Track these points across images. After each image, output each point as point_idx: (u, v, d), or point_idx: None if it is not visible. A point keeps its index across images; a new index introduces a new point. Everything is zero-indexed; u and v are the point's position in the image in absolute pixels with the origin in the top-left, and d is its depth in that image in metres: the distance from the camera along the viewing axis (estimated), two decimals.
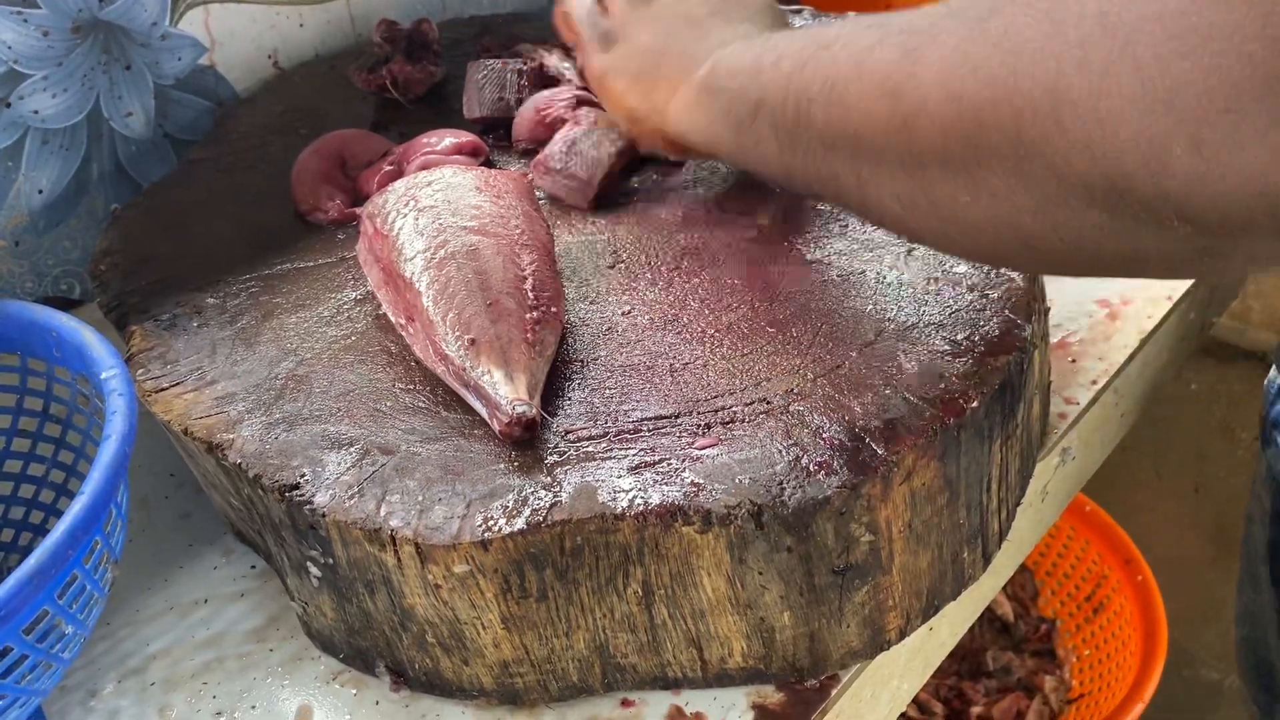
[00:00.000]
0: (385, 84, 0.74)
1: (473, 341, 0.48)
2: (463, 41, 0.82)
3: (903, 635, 0.50)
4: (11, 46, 0.67)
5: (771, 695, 0.49)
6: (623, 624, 0.47)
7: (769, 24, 0.58)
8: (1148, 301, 0.69)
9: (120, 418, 0.46)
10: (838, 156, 0.44)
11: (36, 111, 0.70)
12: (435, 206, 0.53)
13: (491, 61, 0.70)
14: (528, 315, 0.50)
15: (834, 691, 0.49)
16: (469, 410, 0.49)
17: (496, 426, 0.47)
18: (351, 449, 0.48)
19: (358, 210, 0.64)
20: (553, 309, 0.51)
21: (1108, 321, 0.68)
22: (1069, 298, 0.70)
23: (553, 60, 0.72)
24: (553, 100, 0.66)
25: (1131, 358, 0.66)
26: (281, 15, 0.80)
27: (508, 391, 0.47)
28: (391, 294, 0.53)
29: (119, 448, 0.44)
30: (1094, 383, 0.64)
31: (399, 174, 0.65)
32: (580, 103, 0.65)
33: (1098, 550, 1.39)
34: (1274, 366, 0.71)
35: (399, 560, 0.45)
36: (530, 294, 0.51)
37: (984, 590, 0.56)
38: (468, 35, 0.83)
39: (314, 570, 0.48)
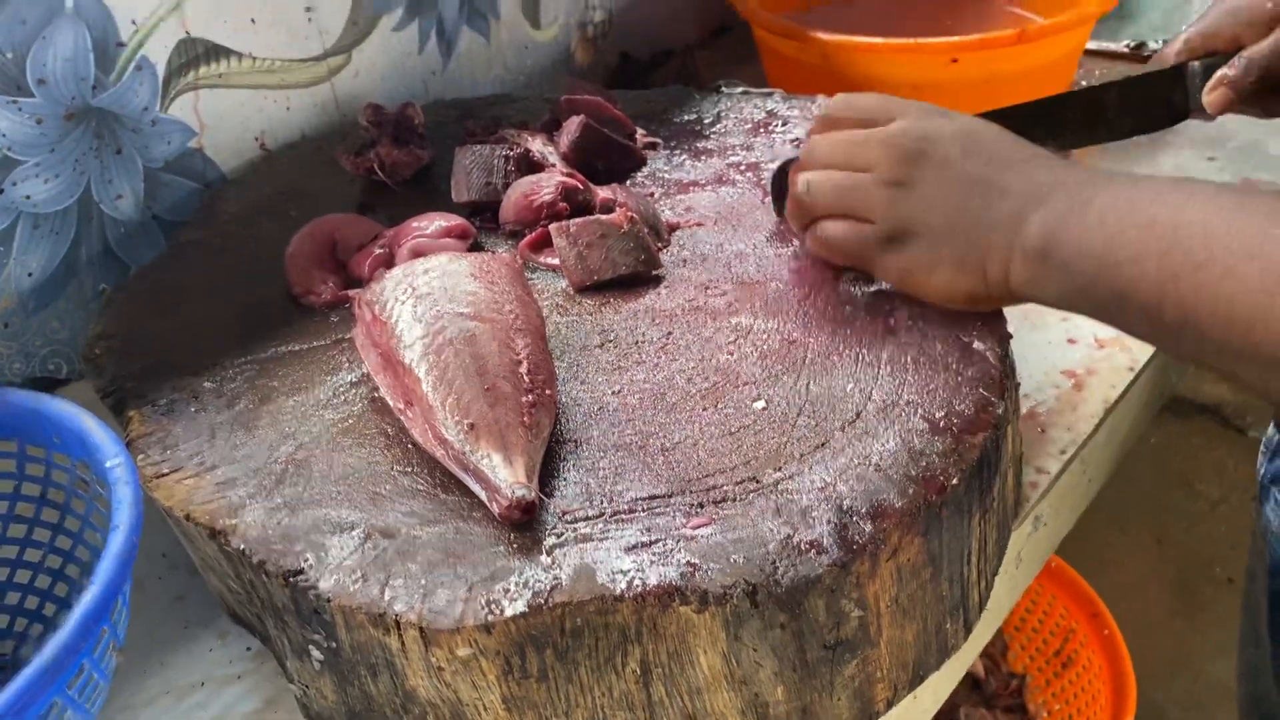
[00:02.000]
0: (373, 167, 0.76)
1: (472, 426, 0.50)
2: (446, 124, 0.84)
3: (890, 705, 0.52)
4: (5, 134, 0.69)
5: None
6: (621, 702, 0.48)
7: (1045, 161, 0.56)
8: (1112, 371, 0.72)
9: (127, 508, 0.47)
10: (1224, 354, 0.46)
11: (29, 197, 0.71)
12: (432, 293, 0.55)
13: (478, 147, 0.72)
14: (524, 399, 0.52)
15: None
16: (467, 493, 0.51)
17: (496, 510, 0.48)
18: (353, 533, 0.49)
19: (350, 293, 0.65)
20: (547, 392, 0.53)
21: (1074, 392, 0.71)
22: (1035, 368, 0.73)
23: (536, 145, 0.74)
24: (538, 186, 0.68)
25: (1098, 427, 0.69)
26: (269, 99, 0.82)
27: (507, 475, 0.48)
28: (390, 379, 0.54)
29: (127, 538, 0.45)
30: (1063, 452, 0.67)
31: (390, 257, 0.67)
32: (565, 189, 0.68)
33: (1064, 605, 1.41)
34: (1272, 424, 0.73)
35: (403, 644, 0.46)
36: (526, 378, 0.52)
37: (965, 657, 0.58)
38: (451, 118, 0.85)
39: (316, 653, 0.49)
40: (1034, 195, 0.53)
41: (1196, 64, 0.70)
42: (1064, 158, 0.57)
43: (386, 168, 0.76)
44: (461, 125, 0.84)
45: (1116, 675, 1.33)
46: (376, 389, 0.58)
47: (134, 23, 0.73)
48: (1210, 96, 0.69)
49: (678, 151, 0.79)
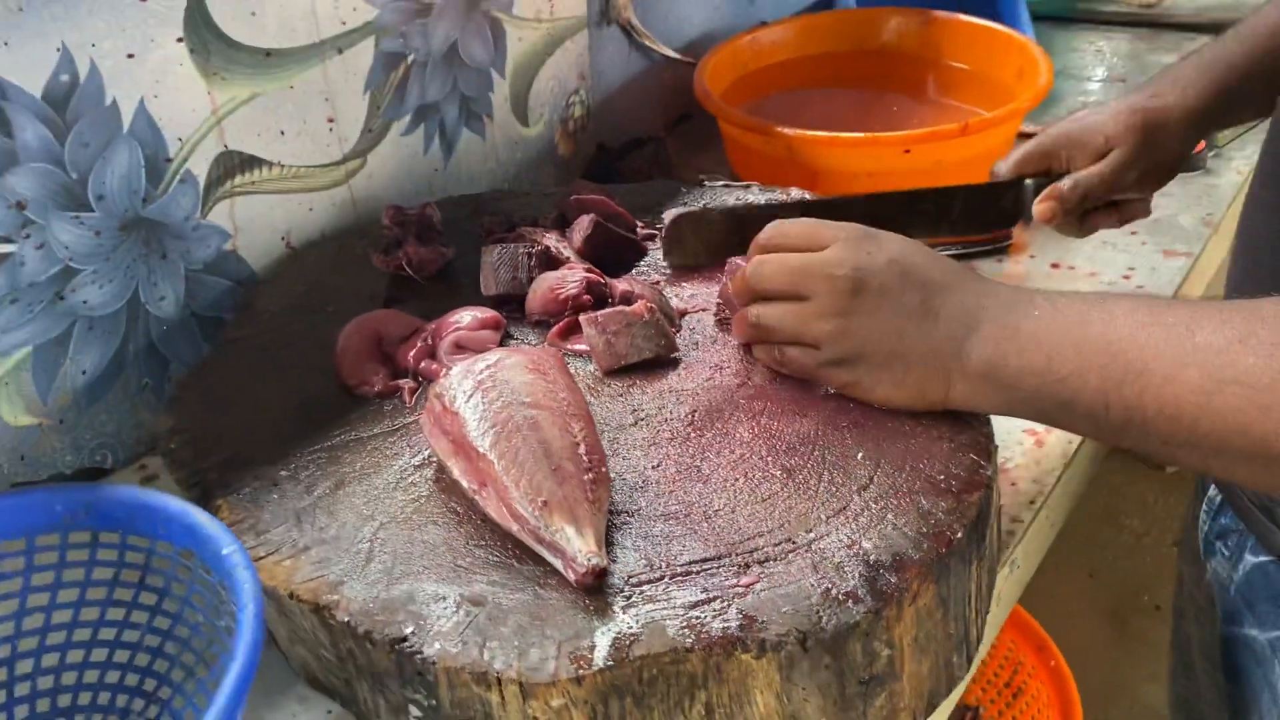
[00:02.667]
0: (401, 264, 0.83)
1: (545, 503, 0.57)
2: (458, 220, 0.92)
3: None
4: (69, 246, 0.75)
5: None
6: None
7: (972, 284, 0.64)
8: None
9: (250, 588, 0.53)
10: (1178, 450, 0.56)
11: (86, 301, 0.77)
12: (496, 385, 0.62)
13: (502, 246, 0.80)
14: (585, 476, 0.59)
15: None
16: (541, 562, 0.58)
17: (572, 577, 0.56)
18: (447, 602, 0.56)
19: (400, 383, 0.72)
20: (602, 469, 0.61)
21: (1036, 448, 0.81)
22: (1002, 428, 0.82)
23: (551, 241, 0.82)
24: (563, 281, 0.76)
25: (1059, 479, 0.79)
26: (293, 201, 0.89)
27: (580, 545, 0.56)
28: (463, 463, 0.61)
29: (256, 614, 0.52)
30: (1032, 503, 0.76)
31: (433, 349, 0.74)
32: (588, 284, 0.76)
33: (1011, 638, 1.51)
34: (1213, 485, 0.84)
35: (503, 698, 0.53)
36: (584, 457, 0.60)
37: (962, 686, 0.67)
38: (462, 214, 0.93)
39: (415, 711, 0.56)
40: (964, 322, 0.62)
41: (1030, 182, 0.81)
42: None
43: (414, 264, 0.83)
44: (473, 220, 0.92)
45: (1064, 704, 1.43)
46: (440, 471, 0.65)
47: (180, 140, 0.79)
48: (1039, 207, 0.81)
49: None
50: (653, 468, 0.65)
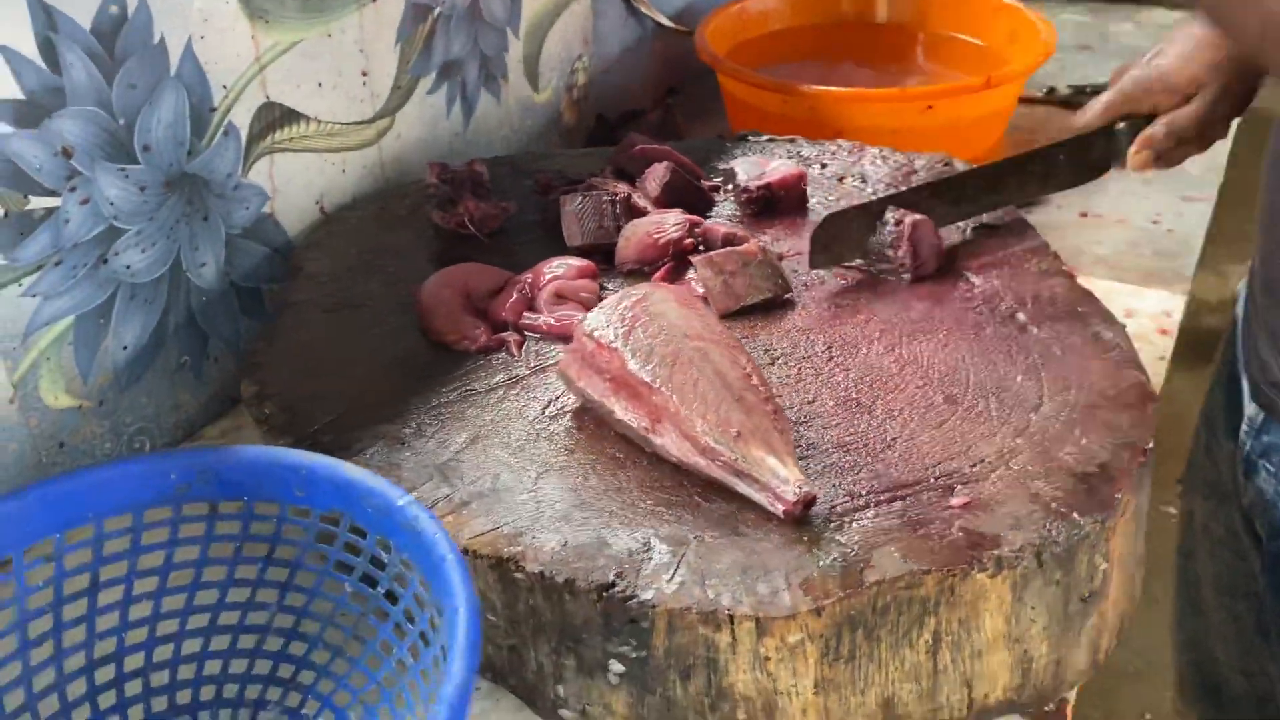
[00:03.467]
0: (462, 221, 0.77)
1: (739, 434, 0.53)
2: (498, 178, 0.87)
3: (1106, 655, 0.58)
4: (114, 202, 0.67)
5: None
6: (910, 674, 0.52)
7: None
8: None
9: (444, 541, 0.47)
10: None
11: (129, 266, 0.69)
12: (652, 320, 0.58)
13: (584, 195, 0.75)
14: (766, 406, 0.55)
15: (1067, 711, 0.56)
16: (730, 497, 0.54)
17: (780, 508, 0.52)
18: (645, 545, 0.51)
19: (505, 336, 0.67)
20: (776, 400, 0.57)
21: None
22: None
23: (627, 191, 0.78)
24: (661, 225, 0.72)
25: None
26: (328, 162, 0.82)
27: (787, 474, 0.52)
28: (628, 401, 0.56)
29: (462, 573, 0.46)
30: None
31: (530, 300, 0.69)
32: (691, 226, 0.72)
33: None
34: (1253, 403, 0.85)
35: (734, 638, 0.48)
36: (760, 387, 0.56)
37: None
38: (501, 172, 0.88)
39: (617, 667, 0.51)
40: None
41: (1123, 125, 0.82)
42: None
43: (475, 221, 0.78)
44: (515, 179, 0.87)
45: None
46: (580, 419, 0.60)
47: (225, 87, 0.72)
48: (1136, 157, 0.80)
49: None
50: (808, 402, 0.61)
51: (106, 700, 0.53)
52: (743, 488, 0.53)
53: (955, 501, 0.53)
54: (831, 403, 0.61)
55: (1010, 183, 0.80)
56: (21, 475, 0.66)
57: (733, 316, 0.69)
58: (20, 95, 0.61)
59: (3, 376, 0.64)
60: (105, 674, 0.54)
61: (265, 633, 0.55)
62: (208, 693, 0.55)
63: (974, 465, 0.55)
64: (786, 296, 0.70)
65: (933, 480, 0.55)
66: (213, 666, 0.55)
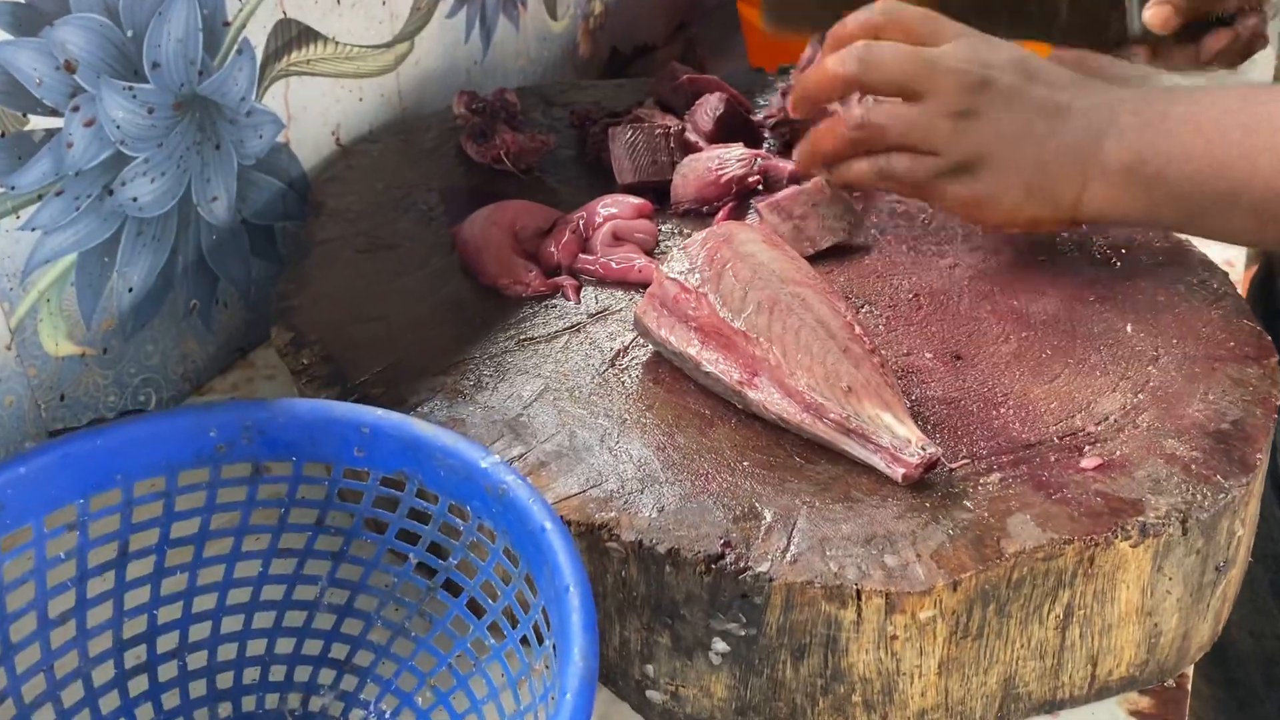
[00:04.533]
0: (499, 155, 0.71)
1: (849, 389, 0.48)
2: (527, 111, 0.80)
3: (1225, 628, 0.54)
4: (120, 126, 0.59)
5: (1140, 700, 0.51)
6: (1035, 652, 0.47)
7: (1096, 83, 0.57)
8: None
9: (540, 508, 0.41)
10: None
11: (135, 199, 0.62)
12: (742, 260, 0.52)
13: (635, 128, 0.69)
14: (874, 359, 0.50)
15: (1187, 686, 0.52)
16: (834, 460, 0.49)
17: (900, 471, 0.47)
18: (753, 510, 0.46)
19: (561, 280, 0.61)
20: (881, 350, 0.51)
21: None
22: None
23: (676, 126, 0.72)
24: (724, 161, 0.66)
25: None
26: (345, 89, 0.75)
27: (906, 434, 0.47)
28: (720, 352, 0.51)
29: (567, 545, 0.40)
30: None
31: (583, 240, 0.63)
32: (755, 161, 0.66)
33: None
34: None
35: (859, 616, 0.43)
36: (865, 338, 0.51)
37: None
38: (530, 104, 0.81)
39: (721, 646, 0.46)
40: (1100, 114, 0.55)
41: None
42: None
43: (512, 155, 0.71)
44: (547, 112, 0.80)
45: None
46: (655, 369, 0.54)
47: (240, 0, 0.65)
48: (1151, 11, 0.68)
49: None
50: (904, 355, 0.56)
51: (137, 686, 0.47)
52: (854, 448, 0.48)
53: (1087, 463, 0.48)
54: (930, 355, 0.56)
55: (1001, 14, 0.70)
56: (20, 431, 0.59)
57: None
58: None
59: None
60: (135, 656, 0.47)
61: (315, 609, 0.49)
62: (251, 675, 0.49)
63: (1098, 423, 0.51)
64: (860, 240, 0.65)
65: (1057, 440, 0.50)
66: (256, 646, 0.49)
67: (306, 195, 0.71)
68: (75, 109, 0.57)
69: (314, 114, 0.73)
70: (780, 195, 0.64)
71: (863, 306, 0.59)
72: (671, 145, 0.68)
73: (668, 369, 0.55)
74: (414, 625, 0.48)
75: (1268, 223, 0.52)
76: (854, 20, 0.59)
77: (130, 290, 0.63)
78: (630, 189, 0.68)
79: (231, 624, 0.49)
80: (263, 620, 0.49)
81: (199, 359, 0.69)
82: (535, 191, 0.71)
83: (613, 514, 0.46)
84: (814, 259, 0.63)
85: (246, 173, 0.69)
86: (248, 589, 0.49)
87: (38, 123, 0.55)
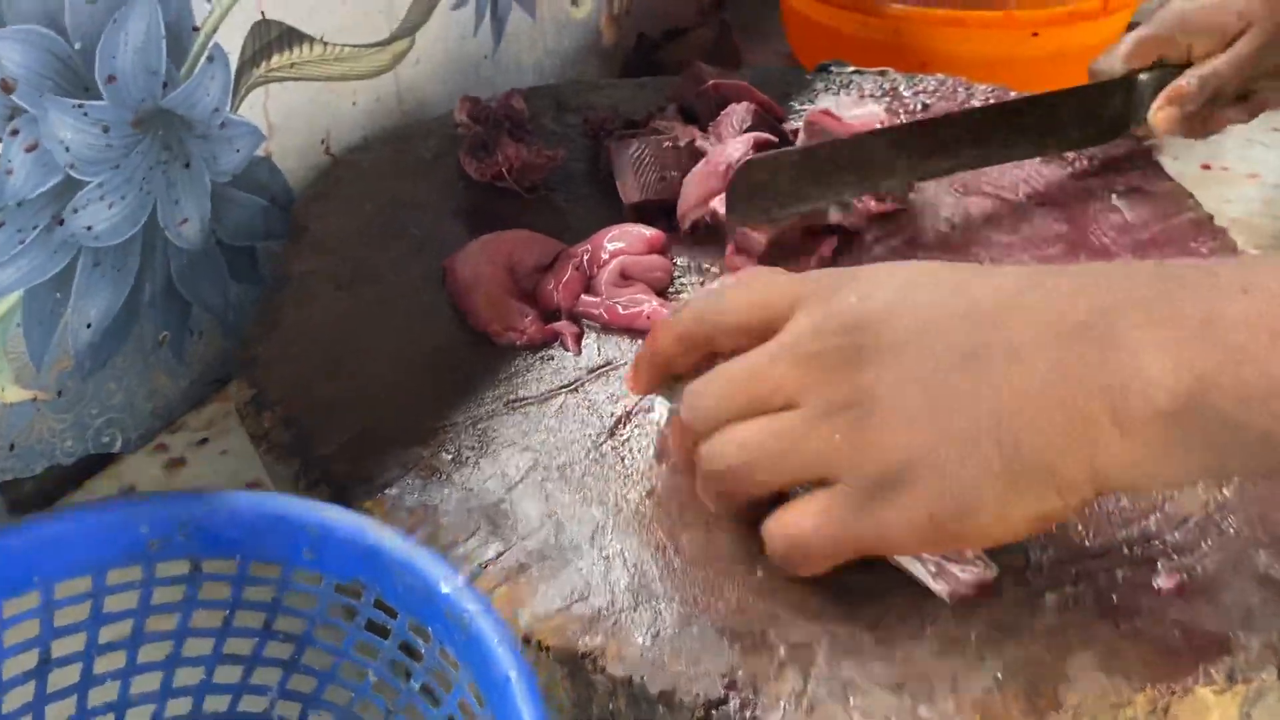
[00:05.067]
0: (501, 171, 0.64)
1: None
2: (538, 115, 0.73)
3: None
4: (70, 148, 0.53)
5: None
6: None
7: (1080, 278, 0.37)
8: None
9: (509, 652, 0.35)
10: None
11: (90, 228, 0.55)
12: None
13: (642, 141, 0.62)
14: None
15: None
16: (863, 567, 0.42)
17: (946, 588, 0.39)
18: (764, 640, 0.39)
19: (560, 327, 0.54)
20: None
21: None
22: None
23: (697, 138, 0.64)
24: (722, 152, 0.59)
25: None
26: (335, 93, 0.68)
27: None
28: None
29: (537, 709, 0.33)
30: None
31: (587, 280, 0.56)
32: (759, 143, 0.59)
33: None
34: None
35: None
36: None
37: None
38: (543, 108, 0.74)
39: None
40: (1086, 336, 0.35)
41: (1146, 77, 0.66)
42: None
43: (515, 172, 0.64)
44: (559, 117, 0.73)
45: None
46: (661, 441, 0.48)
47: (209, 1, 0.58)
48: (1158, 116, 0.64)
49: None
50: None
51: None
52: (910, 564, 0.41)
53: (1163, 583, 0.41)
54: None
55: (996, 136, 0.63)
56: None
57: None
58: None
59: None
60: None
61: None
62: None
63: (1175, 528, 0.43)
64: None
65: (1126, 550, 0.42)
66: None
67: (292, 214, 0.65)
68: (14, 132, 0.50)
69: (299, 122, 0.66)
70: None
71: None
72: (682, 159, 0.61)
73: (675, 439, 0.48)
74: None
75: None
76: (664, 336, 0.43)
77: (88, 326, 0.57)
78: (638, 209, 0.61)
79: None
80: None
81: (171, 393, 0.63)
82: (541, 212, 0.64)
83: (599, 639, 0.39)
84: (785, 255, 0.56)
85: (222, 191, 0.62)
86: (187, 699, 0.43)
87: None
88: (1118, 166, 0.67)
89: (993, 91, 0.75)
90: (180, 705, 0.43)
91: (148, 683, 0.43)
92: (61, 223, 0.54)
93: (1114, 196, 0.64)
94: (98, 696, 0.42)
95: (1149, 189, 0.64)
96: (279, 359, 0.52)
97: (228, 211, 0.63)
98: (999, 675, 0.38)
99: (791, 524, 0.39)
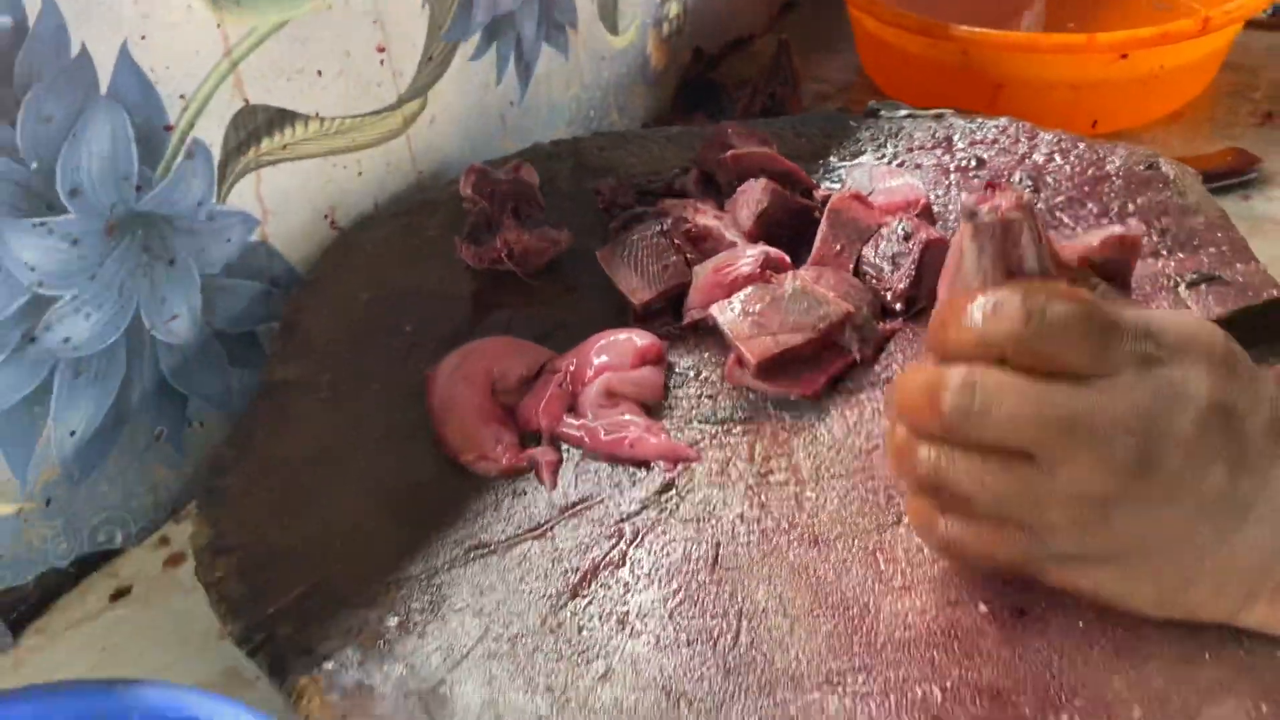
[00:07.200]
0: (500, 256, 0.60)
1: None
2: (555, 178, 0.68)
3: None
4: (35, 267, 0.51)
5: None
6: None
7: None
8: None
9: None
10: None
11: (67, 340, 0.54)
12: None
13: (641, 224, 0.57)
14: None
15: None
16: None
17: None
18: None
19: (534, 454, 0.50)
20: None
21: None
22: None
23: (708, 221, 0.59)
24: (734, 259, 0.54)
25: None
26: (338, 166, 0.65)
27: None
28: None
29: None
30: None
31: (572, 398, 0.52)
32: (767, 264, 0.54)
33: None
34: None
35: None
36: None
37: None
38: (561, 171, 0.69)
39: None
40: None
41: None
42: None
43: (516, 256, 0.60)
44: (576, 181, 0.68)
45: None
46: (626, 598, 0.44)
47: (183, 98, 0.55)
48: None
49: None
50: (950, 603, 0.43)
51: None
52: None
53: None
54: (984, 607, 0.43)
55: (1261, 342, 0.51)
56: None
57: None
58: None
59: None
60: None
61: None
62: None
63: None
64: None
65: None
66: None
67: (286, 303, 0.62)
68: None
69: (298, 201, 0.64)
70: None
71: (898, 523, 0.47)
72: (677, 241, 0.56)
73: (649, 598, 0.44)
74: None
75: None
76: (963, 326, 0.39)
77: (73, 434, 0.56)
78: (648, 306, 0.56)
79: None
80: None
81: (173, 485, 0.62)
82: (546, 299, 0.60)
83: None
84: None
85: (214, 281, 0.60)
86: None
87: None
88: (1196, 239, 0.59)
89: (1060, 141, 0.67)
90: None
91: None
92: (34, 340, 0.53)
93: (1181, 286, 0.56)
94: None
95: (1228, 276, 0.56)
96: (243, 492, 0.50)
97: (223, 301, 0.61)
98: None
99: (984, 536, 0.40)
